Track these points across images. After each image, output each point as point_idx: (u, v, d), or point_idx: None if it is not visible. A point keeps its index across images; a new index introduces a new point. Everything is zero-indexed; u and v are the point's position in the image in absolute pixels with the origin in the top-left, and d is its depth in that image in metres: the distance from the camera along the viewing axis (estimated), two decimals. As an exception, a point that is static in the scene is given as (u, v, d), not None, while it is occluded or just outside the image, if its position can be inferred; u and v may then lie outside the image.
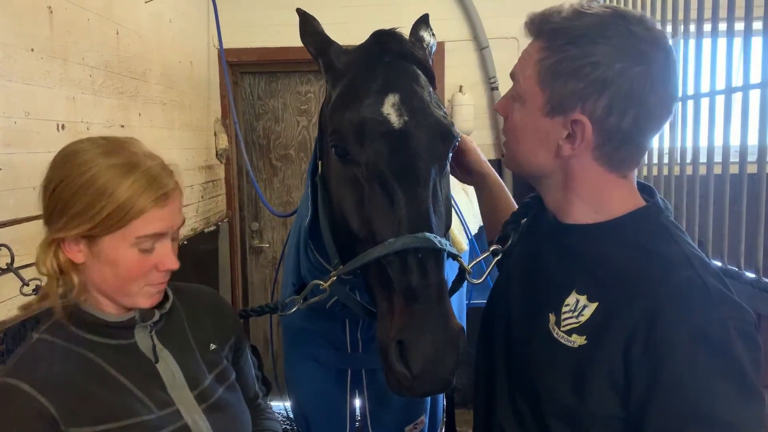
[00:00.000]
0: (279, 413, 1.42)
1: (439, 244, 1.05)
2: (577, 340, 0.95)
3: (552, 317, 1.00)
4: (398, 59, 1.22)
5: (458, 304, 2.24)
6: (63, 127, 1.94)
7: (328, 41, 1.34)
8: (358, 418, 1.69)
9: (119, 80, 2.37)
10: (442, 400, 1.85)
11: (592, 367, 0.92)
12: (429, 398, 1.68)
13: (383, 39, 1.24)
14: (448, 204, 1.24)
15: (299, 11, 1.40)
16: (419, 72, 1.24)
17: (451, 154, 1.22)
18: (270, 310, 1.35)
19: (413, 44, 1.27)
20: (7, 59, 1.67)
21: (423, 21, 1.49)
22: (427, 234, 1.05)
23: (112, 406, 1.00)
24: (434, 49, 1.45)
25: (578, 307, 0.97)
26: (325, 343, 1.58)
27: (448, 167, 1.25)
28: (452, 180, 1.38)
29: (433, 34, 1.47)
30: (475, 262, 1.23)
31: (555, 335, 0.98)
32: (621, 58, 0.91)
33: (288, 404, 1.92)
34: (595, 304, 0.95)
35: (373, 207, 1.11)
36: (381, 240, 1.07)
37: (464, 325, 2.32)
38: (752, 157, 1.90)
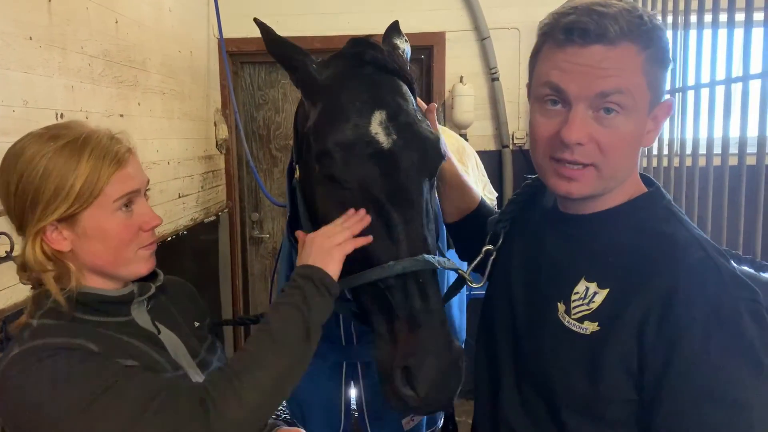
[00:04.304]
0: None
1: (437, 264, 1.07)
2: (590, 327, 0.95)
3: (561, 306, 1.01)
4: (378, 71, 1.18)
5: (458, 298, 2.24)
6: (62, 116, 1.93)
7: (299, 51, 1.27)
8: (354, 410, 1.69)
9: (118, 69, 2.37)
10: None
11: (606, 352, 0.93)
12: None
13: (361, 50, 1.18)
14: (437, 218, 1.24)
15: (257, 21, 1.29)
16: (401, 84, 1.20)
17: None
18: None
19: (391, 53, 1.21)
20: (5, 47, 1.66)
21: (394, 28, 1.42)
22: (426, 256, 1.08)
23: (139, 357, 1.01)
24: (409, 56, 1.38)
25: (588, 294, 0.97)
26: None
27: (435, 181, 1.24)
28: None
29: (406, 41, 1.41)
30: (471, 267, 1.24)
31: (566, 324, 0.99)
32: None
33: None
34: (606, 290, 0.96)
35: (368, 229, 1.10)
36: (377, 262, 1.08)
37: (464, 317, 2.33)
38: (752, 148, 1.90)
